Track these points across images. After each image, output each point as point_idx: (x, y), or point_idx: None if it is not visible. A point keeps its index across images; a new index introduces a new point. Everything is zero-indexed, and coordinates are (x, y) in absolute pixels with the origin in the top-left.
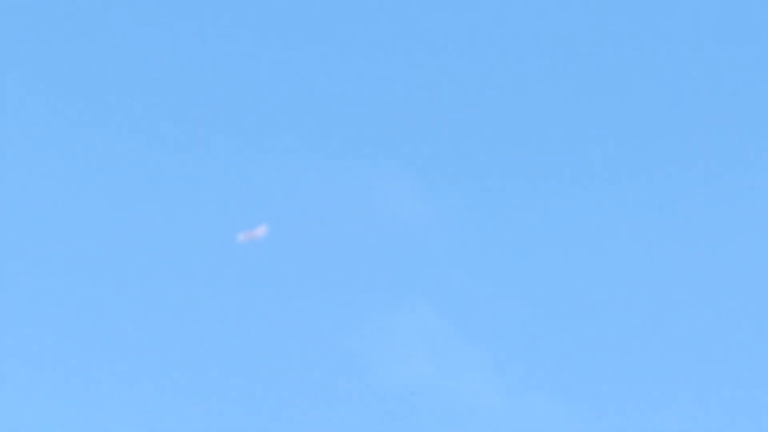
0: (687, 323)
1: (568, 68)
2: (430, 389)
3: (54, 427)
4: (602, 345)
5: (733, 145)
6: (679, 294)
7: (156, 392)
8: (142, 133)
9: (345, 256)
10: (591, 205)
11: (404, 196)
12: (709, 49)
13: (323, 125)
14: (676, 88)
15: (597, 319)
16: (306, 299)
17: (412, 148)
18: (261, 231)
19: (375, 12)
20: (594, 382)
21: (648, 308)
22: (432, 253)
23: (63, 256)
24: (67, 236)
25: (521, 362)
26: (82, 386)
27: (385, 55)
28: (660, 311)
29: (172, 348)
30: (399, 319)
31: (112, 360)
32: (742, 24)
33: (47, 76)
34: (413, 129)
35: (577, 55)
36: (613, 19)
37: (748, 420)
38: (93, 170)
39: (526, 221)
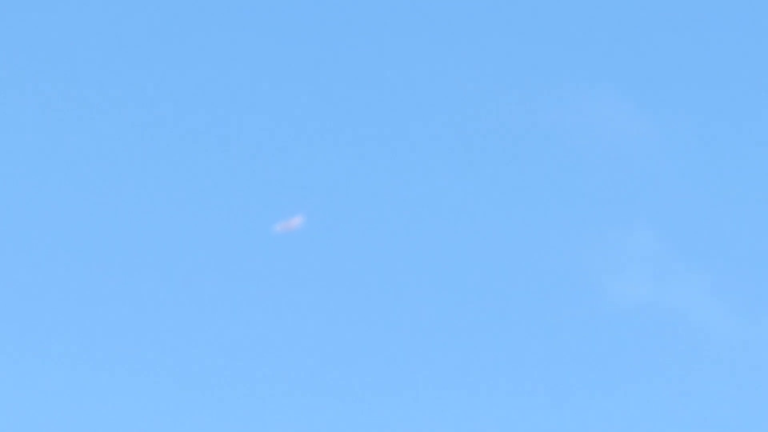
0: None
1: None
2: (652, 310)
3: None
4: None
5: None
6: None
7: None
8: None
9: (569, 178)
10: None
11: (627, 118)
12: None
13: (546, 50)
14: None
15: None
16: (530, 221)
17: (635, 71)
18: (297, 222)
19: None
20: None
21: None
22: (654, 174)
23: (87, 249)
24: (85, 230)
25: (743, 283)
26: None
27: None
28: None
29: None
30: (622, 241)
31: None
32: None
33: (48, 76)
34: (635, 51)
35: None
36: None
37: None
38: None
39: (748, 142)
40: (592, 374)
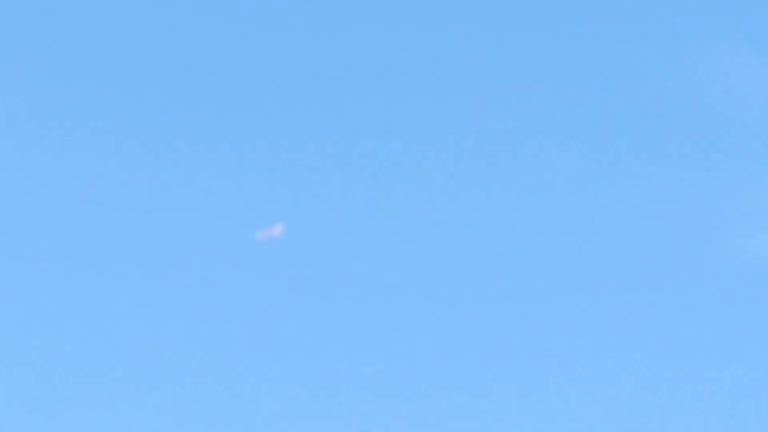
0: None
1: None
2: None
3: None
4: None
5: None
6: None
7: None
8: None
9: (695, 131)
10: None
11: (756, 72)
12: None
13: (679, 6)
14: None
15: None
16: (655, 175)
17: (756, 23)
18: (278, 230)
19: None
20: None
21: None
22: None
23: (75, 256)
24: (75, 236)
25: None
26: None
27: None
28: None
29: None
30: (748, 193)
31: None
32: None
33: (47, 76)
34: (756, 3)
35: None
36: None
37: None
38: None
39: None
40: (717, 328)
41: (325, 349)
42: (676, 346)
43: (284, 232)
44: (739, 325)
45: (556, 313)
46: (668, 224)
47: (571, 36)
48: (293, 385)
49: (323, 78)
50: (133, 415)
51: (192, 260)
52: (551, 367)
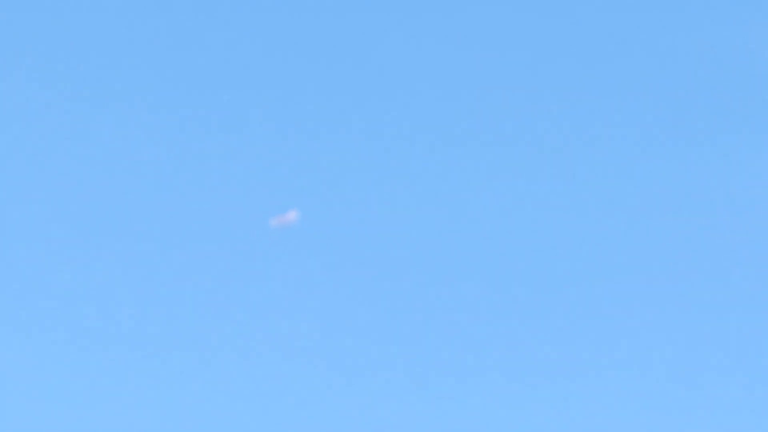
0: None
1: None
2: None
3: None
4: None
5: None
6: None
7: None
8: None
9: (730, 107)
10: None
11: None
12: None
13: None
14: None
15: None
16: (722, 152)
17: None
18: (292, 216)
19: None
20: None
21: None
22: None
23: (84, 243)
24: (85, 224)
25: None
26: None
27: None
28: None
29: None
30: None
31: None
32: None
33: (50, 75)
34: None
35: None
36: None
37: None
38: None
39: None
40: (729, 322)
41: (334, 342)
42: (687, 341)
43: (299, 219)
44: (755, 317)
45: (562, 309)
46: (747, 202)
47: (612, 14)
48: (303, 378)
49: (340, 65)
50: (139, 411)
51: (205, 248)
52: (557, 364)
